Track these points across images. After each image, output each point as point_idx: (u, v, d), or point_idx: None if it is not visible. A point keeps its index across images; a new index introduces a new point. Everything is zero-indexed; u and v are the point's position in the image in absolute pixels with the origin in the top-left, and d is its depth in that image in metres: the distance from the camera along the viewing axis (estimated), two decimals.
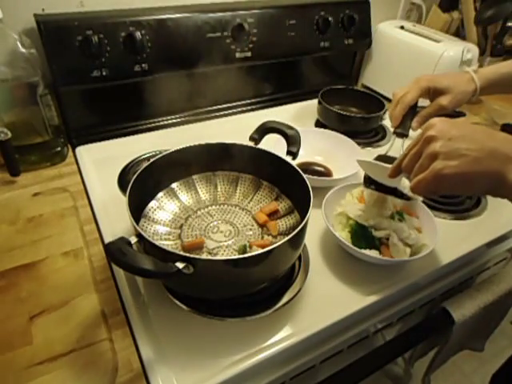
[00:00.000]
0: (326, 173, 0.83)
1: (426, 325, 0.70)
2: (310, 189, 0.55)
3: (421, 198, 0.66)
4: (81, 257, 0.61)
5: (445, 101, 0.69)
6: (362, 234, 0.62)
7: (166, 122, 0.96)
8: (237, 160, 0.66)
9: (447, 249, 0.66)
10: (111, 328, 0.51)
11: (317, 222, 0.64)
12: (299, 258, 0.60)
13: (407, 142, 0.81)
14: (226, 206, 0.66)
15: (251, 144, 0.64)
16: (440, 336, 0.74)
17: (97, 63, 0.78)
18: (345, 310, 0.56)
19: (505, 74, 0.71)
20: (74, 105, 0.85)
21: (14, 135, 0.69)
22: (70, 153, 0.84)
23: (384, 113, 0.95)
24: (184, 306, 0.52)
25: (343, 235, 0.63)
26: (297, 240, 0.52)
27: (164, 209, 0.63)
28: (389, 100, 1.10)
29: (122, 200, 0.52)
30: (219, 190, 0.68)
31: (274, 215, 0.64)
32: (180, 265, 0.43)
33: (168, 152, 0.60)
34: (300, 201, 0.60)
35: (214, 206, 0.66)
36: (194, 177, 0.68)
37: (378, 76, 1.20)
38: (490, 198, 0.81)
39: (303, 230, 0.51)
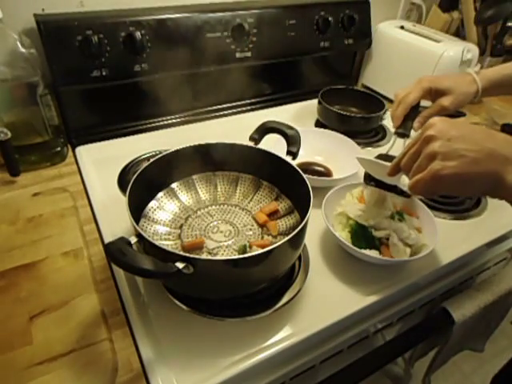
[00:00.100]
0: (326, 173, 0.83)
1: (426, 325, 0.70)
2: (310, 189, 0.55)
3: (420, 196, 0.66)
4: (81, 257, 0.61)
5: (446, 101, 0.69)
6: (362, 234, 0.62)
7: (165, 122, 0.96)
8: (237, 160, 0.66)
9: (447, 249, 0.66)
10: (111, 328, 0.51)
11: (317, 221, 0.64)
12: (299, 258, 0.60)
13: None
14: (225, 206, 0.66)
15: (251, 144, 0.64)
16: (440, 336, 0.74)
17: (97, 63, 0.78)
18: (345, 309, 0.56)
19: (506, 76, 0.71)
20: (74, 105, 0.85)
21: (13, 135, 0.69)
22: (70, 153, 0.84)
23: (384, 113, 0.95)
24: (184, 306, 0.52)
25: (343, 235, 0.63)
26: (297, 240, 0.52)
27: (164, 209, 0.63)
28: (389, 100, 1.11)
29: (122, 200, 0.52)
30: (219, 189, 0.68)
31: (274, 215, 0.64)
32: (180, 265, 0.43)
33: (168, 152, 0.60)
34: (300, 201, 0.60)
35: (213, 206, 0.66)
36: (194, 177, 0.68)
37: (377, 76, 1.20)
38: (490, 198, 0.81)
39: (303, 230, 0.51)
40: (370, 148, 0.94)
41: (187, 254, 0.44)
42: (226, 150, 0.65)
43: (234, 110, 1.04)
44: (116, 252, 0.40)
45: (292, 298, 0.54)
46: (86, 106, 0.87)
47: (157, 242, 0.46)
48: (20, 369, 0.47)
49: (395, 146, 0.73)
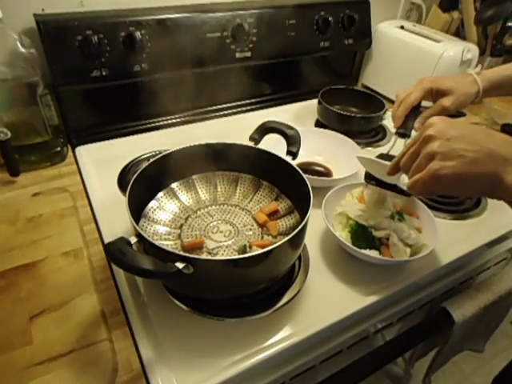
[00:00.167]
0: (326, 173, 0.83)
1: (426, 325, 0.70)
2: (310, 189, 0.55)
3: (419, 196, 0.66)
4: (81, 257, 0.61)
5: (447, 102, 0.69)
6: (362, 234, 0.62)
7: (165, 122, 0.96)
8: (237, 160, 0.66)
9: (447, 249, 0.66)
10: (111, 328, 0.51)
11: (317, 221, 0.64)
12: (299, 258, 0.60)
13: None
14: (225, 206, 0.66)
15: (251, 144, 0.64)
16: (440, 336, 0.74)
17: (97, 63, 0.78)
18: (345, 309, 0.56)
19: (506, 77, 0.72)
20: (74, 105, 0.85)
21: (13, 135, 0.69)
22: (70, 153, 0.84)
23: (384, 113, 0.95)
24: (184, 306, 0.52)
25: (343, 235, 0.63)
26: (297, 240, 0.52)
27: (164, 209, 0.63)
28: (389, 100, 1.11)
29: (122, 200, 0.52)
30: (219, 190, 0.68)
31: (273, 215, 0.64)
32: (180, 265, 0.43)
33: (168, 152, 0.60)
34: (300, 201, 0.60)
35: (213, 206, 0.66)
36: (194, 177, 0.67)
37: (378, 76, 1.20)
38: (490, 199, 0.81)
39: (303, 229, 0.51)
40: (370, 148, 0.94)
41: (187, 254, 0.44)
42: (226, 150, 0.65)
43: (234, 110, 1.04)
44: (116, 252, 0.40)
45: (292, 298, 0.54)
46: (86, 105, 0.87)
47: (157, 242, 0.46)
48: (20, 369, 0.47)
49: (396, 146, 0.73)
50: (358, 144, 0.85)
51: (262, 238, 0.60)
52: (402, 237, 0.60)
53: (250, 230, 0.61)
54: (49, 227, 0.65)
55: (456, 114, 1.08)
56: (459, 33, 1.21)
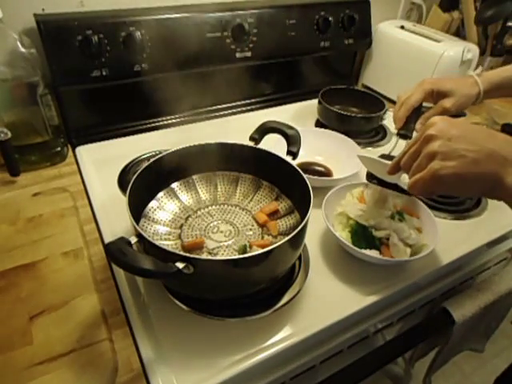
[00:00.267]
0: (326, 173, 0.83)
1: (426, 325, 0.70)
2: (310, 189, 0.55)
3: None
4: (81, 257, 0.61)
5: (448, 103, 0.70)
6: (362, 234, 0.62)
7: (165, 122, 0.96)
8: (237, 160, 0.66)
9: (447, 249, 0.66)
10: (111, 328, 0.51)
11: (317, 221, 0.64)
12: (299, 258, 0.60)
13: None
14: (226, 205, 0.66)
15: (251, 144, 0.64)
16: (440, 336, 0.74)
17: (97, 63, 0.78)
18: (345, 310, 0.56)
19: (507, 78, 0.72)
20: (74, 105, 0.85)
21: (13, 135, 0.69)
22: (70, 153, 0.84)
23: (384, 113, 0.95)
24: (184, 306, 0.52)
25: (343, 235, 0.63)
26: (297, 240, 0.52)
27: (164, 209, 0.63)
28: (389, 100, 1.11)
29: (122, 200, 0.52)
30: (219, 190, 0.68)
31: (274, 215, 0.64)
32: (180, 265, 0.43)
33: (168, 152, 0.60)
34: (300, 201, 0.60)
35: (214, 206, 0.66)
36: (194, 177, 0.67)
37: (378, 76, 1.20)
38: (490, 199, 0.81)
39: (303, 229, 0.51)
40: (370, 148, 0.94)
41: (187, 254, 0.44)
42: (226, 150, 0.65)
43: (234, 110, 1.04)
44: (116, 252, 0.40)
45: (292, 298, 0.54)
46: (86, 105, 0.87)
47: (157, 242, 0.46)
48: (20, 369, 0.47)
49: (397, 148, 0.73)
50: (358, 144, 0.85)
51: (263, 237, 0.60)
52: (403, 237, 0.60)
53: (250, 229, 0.61)
54: (49, 227, 0.65)
55: (456, 114, 1.08)
56: (459, 33, 1.21)
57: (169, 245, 0.58)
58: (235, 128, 0.89)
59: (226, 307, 0.53)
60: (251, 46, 0.92)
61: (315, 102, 0.98)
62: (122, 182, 0.66)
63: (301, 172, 0.58)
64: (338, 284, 0.60)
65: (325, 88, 1.00)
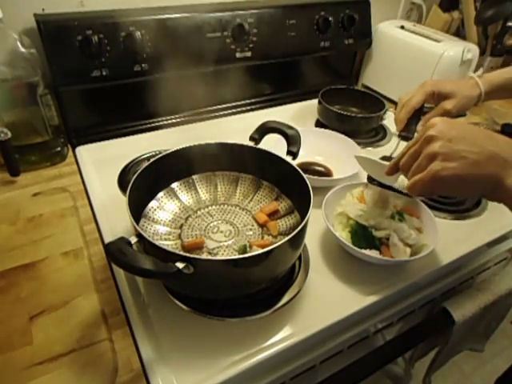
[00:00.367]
0: (326, 173, 0.83)
1: (426, 325, 0.70)
2: (310, 189, 0.55)
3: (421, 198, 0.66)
4: (81, 257, 0.61)
5: (449, 105, 0.70)
6: (362, 234, 0.62)
7: (165, 122, 0.96)
8: (237, 160, 0.66)
9: (447, 249, 0.66)
10: (111, 328, 0.51)
11: (317, 221, 0.64)
12: (299, 258, 0.60)
13: None
14: (226, 205, 0.66)
15: (251, 144, 0.64)
16: (440, 336, 0.74)
17: (97, 63, 0.78)
18: (345, 309, 0.56)
19: (508, 79, 0.72)
20: (74, 105, 0.85)
21: (13, 135, 0.69)
22: (70, 153, 0.84)
23: (384, 113, 0.95)
24: (184, 306, 0.52)
25: (343, 235, 0.63)
26: (297, 240, 0.52)
27: (164, 209, 0.63)
28: (389, 100, 1.11)
29: (122, 200, 0.52)
30: (219, 189, 0.68)
31: (274, 215, 0.64)
32: (180, 265, 0.43)
33: (168, 152, 0.60)
34: (300, 201, 0.60)
35: (214, 206, 0.66)
36: (194, 177, 0.68)
37: (378, 76, 1.20)
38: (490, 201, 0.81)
39: (303, 229, 0.51)
40: (370, 148, 0.94)
41: (187, 254, 0.44)
42: (226, 150, 0.65)
43: (234, 110, 1.04)
44: (116, 252, 0.40)
45: (292, 298, 0.54)
46: (86, 105, 0.87)
47: (157, 242, 0.46)
48: (20, 369, 0.47)
49: (399, 149, 0.73)
50: (358, 144, 0.85)
51: (263, 237, 0.60)
52: (403, 237, 0.60)
53: (251, 229, 0.61)
54: (49, 227, 0.65)
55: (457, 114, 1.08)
56: (459, 33, 1.21)
57: (169, 245, 0.58)
58: (235, 128, 0.89)
59: (225, 307, 0.53)
60: (251, 46, 0.92)
61: (315, 101, 0.98)
62: (122, 181, 0.66)
63: (301, 172, 0.58)
64: (338, 284, 0.60)
65: (325, 88, 1.00)
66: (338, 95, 1.02)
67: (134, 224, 0.48)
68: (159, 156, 0.60)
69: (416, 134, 0.73)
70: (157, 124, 0.95)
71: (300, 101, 1.10)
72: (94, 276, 0.58)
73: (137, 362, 0.48)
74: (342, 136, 0.87)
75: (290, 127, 0.65)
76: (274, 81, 1.08)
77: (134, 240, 0.46)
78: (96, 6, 0.82)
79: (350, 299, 0.58)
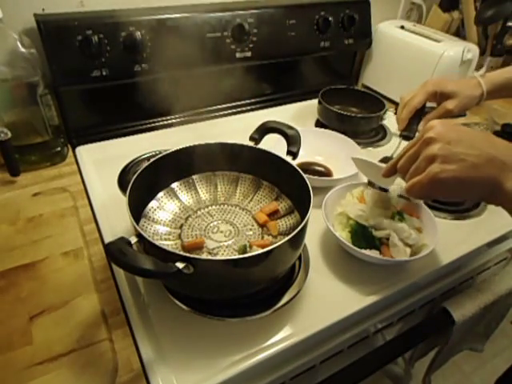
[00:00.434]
0: (327, 173, 0.83)
1: (426, 325, 0.70)
2: (311, 189, 0.55)
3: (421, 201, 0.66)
4: (81, 257, 0.61)
5: (451, 105, 0.70)
6: (362, 234, 0.62)
7: (165, 122, 0.96)
8: (237, 160, 0.66)
9: (447, 249, 0.66)
10: (111, 328, 0.51)
11: (317, 221, 0.64)
12: (299, 258, 0.60)
13: None
14: (226, 205, 0.66)
15: (251, 144, 0.64)
16: (440, 336, 0.74)
17: (97, 63, 0.78)
18: (345, 310, 0.56)
19: (509, 79, 0.72)
20: (74, 105, 0.85)
21: (13, 135, 0.69)
22: (70, 153, 0.84)
23: (384, 113, 0.95)
24: (184, 306, 0.52)
25: (343, 235, 0.63)
26: (297, 240, 0.52)
27: (164, 209, 0.63)
28: (389, 100, 1.11)
29: (122, 200, 0.52)
30: (219, 189, 0.68)
31: (274, 215, 0.64)
32: (180, 265, 0.43)
33: (168, 152, 0.60)
34: (300, 201, 0.60)
35: (214, 206, 0.66)
36: (194, 177, 0.68)
37: (378, 76, 1.20)
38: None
39: (303, 229, 0.51)
40: (370, 148, 0.94)
41: (187, 254, 0.44)
42: (226, 150, 0.65)
43: (234, 110, 1.04)
44: (116, 252, 0.40)
45: (292, 298, 0.54)
46: (86, 105, 0.87)
47: (157, 242, 0.46)
48: (20, 369, 0.47)
49: (400, 149, 0.73)
50: (358, 144, 0.85)
51: (263, 237, 0.60)
52: (403, 237, 0.60)
53: (251, 229, 0.61)
54: (49, 227, 0.65)
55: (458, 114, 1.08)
56: (459, 33, 1.21)
57: (169, 245, 0.58)
58: (235, 128, 0.89)
59: (226, 307, 0.53)
60: (251, 46, 0.92)
61: (315, 101, 0.98)
62: (122, 181, 0.66)
63: (301, 172, 0.58)
64: (338, 284, 0.60)
65: (325, 88, 1.00)
66: (338, 95, 1.02)
67: (134, 224, 0.48)
68: (159, 156, 0.60)
69: (417, 134, 0.73)
70: (157, 124, 0.95)
71: (300, 101, 1.10)
72: (94, 276, 0.58)
73: (137, 361, 0.48)
74: (342, 136, 0.87)
75: (290, 127, 0.65)
76: (274, 81, 1.08)
77: (133, 240, 0.46)
78: (96, 5, 0.82)
79: (350, 299, 0.58)
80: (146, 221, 0.60)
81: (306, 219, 0.50)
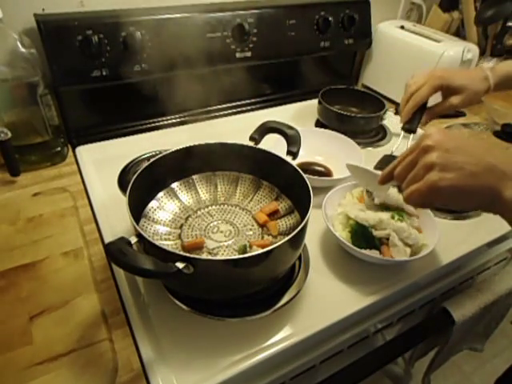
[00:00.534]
0: (327, 173, 0.83)
1: (426, 325, 0.70)
2: (310, 189, 0.55)
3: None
4: (81, 257, 0.61)
5: (456, 100, 0.70)
6: (362, 234, 0.62)
7: (165, 122, 0.96)
8: (237, 160, 0.66)
9: (447, 249, 0.66)
10: (111, 328, 0.51)
11: (317, 221, 0.64)
12: (299, 258, 0.60)
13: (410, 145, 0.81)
14: (226, 205, 0.66)
15: (251, 144, 0.64)
16: (440, 336, 0.74)
17: (97, 63, 0.78)
18: (345, 309, 0.56)
19: (510, 72, 0.72)
20: (74, 105, 0.85)
21: (13, 135, 0.69)
22: (70, 153, 0.84)
23: (384, 113, 0.95)
24: (184, 306, 0.52)
25: (343, 235, 0.63)
26: (297, 240, 0.52)
27: (164, 209, 0.63)
28: (389, 100, 1.11)
29: (122, 200, 0.52)
30: (219, 189, 0.68)
31: (274, 215, 0.64)
32: (180, 265, 0.43)
33: (168, 152, 0.60)
34: (300, 201, 0.60)
35: (214, 206, 0.66)
36: (194, 177, 0.68)
37: (378, 76, 1.20)
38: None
39: (303, 229, 0.51)
40: (370, 148, 0.94)
41: (187, 254, 0.44)
42: (226, 150, 0.65)
43: (234, 110, 1.04)
44: (116, 252, 0.40)
45: (292, 298, 0.54)
46: (86, 105, 0.87)
47: (157, 242, 0.46)
48: (20, 369, 0.47)
49: (401, 146, 0.73)
50: (358, 144, 0.85)
51: (263, 237, 0.60)
52: (403, 237, 0.60)
53: (251, 229, 0.61)
54: (49, 227, 0.65)
55: (456, 113, 1.08)
56: (459, 33, 1.21)
57: (169, 245, 0.58)
58: (235, 128, 0.89)
59: (226, 307, 0.53)
60: (251, 46, 0.92)
61: (315, 101, 0.98)
62: (122, 181, 0.66)
63: (301, 172, 0.58)
64: (338, 284, 0.60)
65: (325, 88, 1.00)
66: (338, 95, 1.02)
67: (134, 224, 0.48)
68: (159, 156, 0.60)
69: (419, 132, 0.73)
70: (157, 124, 0.95)
71: (300, 101, 1.10)
72: (93, 276, 0.58)
73: (137, 361, 0.48)
74: (342, 136, 0.87)
75: (290, 127, 0.65)
76: (274, 81, 1.08)
77: (133, 240, 0.46)
78: (96, 5, 0.82)
79: (350, 299, 0.58)
80: (146, 221, 0.60)
81: (305, 219, 0.50)
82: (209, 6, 0.90)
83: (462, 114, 1.09)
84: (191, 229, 0.61)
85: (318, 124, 1.00)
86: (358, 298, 0.58)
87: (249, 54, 0.93)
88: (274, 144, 0.69)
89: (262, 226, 0.62)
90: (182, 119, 0.97)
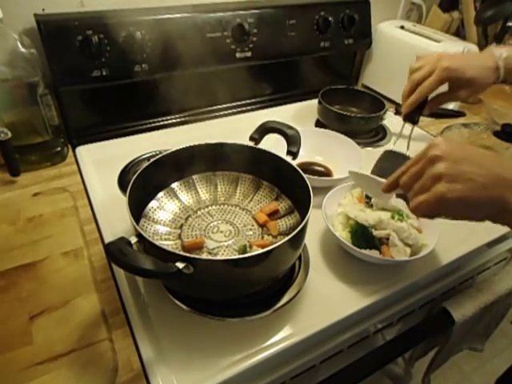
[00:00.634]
0: (326, 173, 0.83)
1: (426, 325, 0.70)
2: (310, 189, 0.55)
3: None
4: (81, 257, 0.61)
5: (464, 94, 0.68)
6: (362, 234, 0.62)
7: (166, 122, 0.96)
8: (237, 160, 0.66)
9: (447, 249, 0.66)
10: (111, 328, 0.51)
11: (317, 221, 0.64)
12: (299, 257, 0.60)
13: (410, 141, 0.81)
14: (226, 206, 0.66)
15: (251, 144, 0.64)
16: (440, 336, 0.74)
17: (97, 63, 0.78)
18: (345, 309, 0.56)
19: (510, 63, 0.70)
20: (74, 105, 0.85)
21: (13, 135, 0.69)
22: (70, 153, 0.84)
23: (384, 113, 0.95)
24: (184, 306, 0.52)
25: (343, 235, 0.63)
26: (297, 240, 0.52)
27: (164, 209, 0.63)
28: (389, 100, 1.11)
29: (122, 200, 0.52)
30: (219, 189, 0.68)
31: (274, 215, 0.64)
32: (180, 265, 0.43)
33: (168, 152, 0.60)
34: (300, 201, 0.60)
35: (214, 206, 0.66)
36: (194, 177, 0.68)
37: (378, 76, 1.20)
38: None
39: (303, 229, 0.51)
40: (370, 148, 0.94)
41: (187, 254, 0.44)
42: (226, 150, 0.65)
43: (234, 110, 1.04)
44: (116, 252, 0.40)
45: (292, 298, 0.54)
46: (86, 105, 0.87)
47: (157, 242, 0.46)
48: (20, 369, 0.47)
49: (400, 144, 0.72)
50: (358, 144, 0.85)
51: (263, 237, 0.60)
52: (403, 237, 0.60)
53: (251, 229, 0.61)
54: (49, 227, 0.65)
55: (456, 113, 1.08)
56: (459, 33, 1.21)
57: (169, 245, 0.58)
58: (235, 128, 0.89)
59: (226, 307, 0.53)
60: (251, 46, 0.92)
61: (315, 101, 0.98)
62: (122, 182, 0.66)
63: (301, 172, 0.58)
64: (338, 284, 0.60)
65: (325, 88, 1.00)
66: (338, 95, 1.02)
67: (134, 224, 0.48)
68: (159, 156, 0.60)
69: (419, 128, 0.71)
70: (157, 124, 0.95)
71: (300, 101, 1.10)
72: (93, 276, 0.58)
73: (137, 361, 0.48)
74: (342, 136, 0.87)
75: (290, 127, 0.65)
76: (274, 81, 1.08)
77: (133, 240, 0.46)
78: (96, 5, 0.82)
79: (350, 299, 0.58)
80: (146, 221, 0.60)
81: (305, 219, 0.50)
82: (209, 5, 0.90)
83: (462, 114, 1.09)
84: (191, 229, 0.61)
85: (318, 124, 1.00)
86: (358, 298, 0.58)
87: (249, 54, 0.93)
88: (273, 144, 0.69)
89: (262, 226, 0.62)
90: (182, 119, 0.97)
